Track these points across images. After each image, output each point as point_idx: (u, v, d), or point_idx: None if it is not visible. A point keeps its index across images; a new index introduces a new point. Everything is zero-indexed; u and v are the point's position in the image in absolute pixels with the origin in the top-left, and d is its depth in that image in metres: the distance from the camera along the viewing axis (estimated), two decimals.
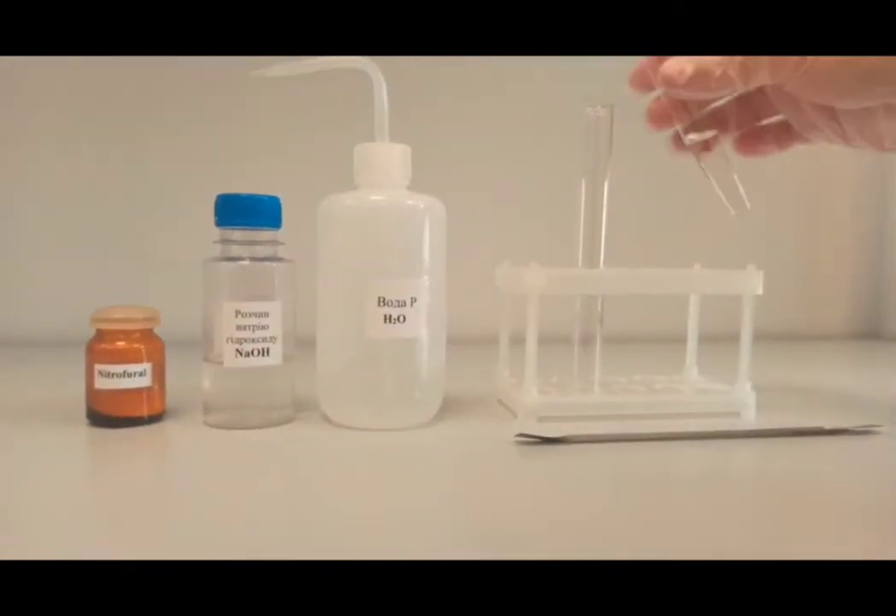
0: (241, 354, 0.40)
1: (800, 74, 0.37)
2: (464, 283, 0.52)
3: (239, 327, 0.40)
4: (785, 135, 0.46)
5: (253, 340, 0.40)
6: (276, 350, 0.41)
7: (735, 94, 0.45)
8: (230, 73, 0.75)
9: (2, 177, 0.77)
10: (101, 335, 0.41)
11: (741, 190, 0.42)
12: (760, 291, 0.45)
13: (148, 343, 0.41)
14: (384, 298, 0.40)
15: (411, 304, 0.40)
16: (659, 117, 0.45)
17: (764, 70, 0.38)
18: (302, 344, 0.43)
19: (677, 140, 0.45)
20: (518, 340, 0.46)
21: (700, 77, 0.40)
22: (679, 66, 0.41)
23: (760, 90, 0.45)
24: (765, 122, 0.47)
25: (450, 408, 0.46)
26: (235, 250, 0.41)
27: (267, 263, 0.41)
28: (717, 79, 0.40)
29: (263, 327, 0.40)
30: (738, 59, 0.39)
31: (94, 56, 0.75)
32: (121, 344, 0.40)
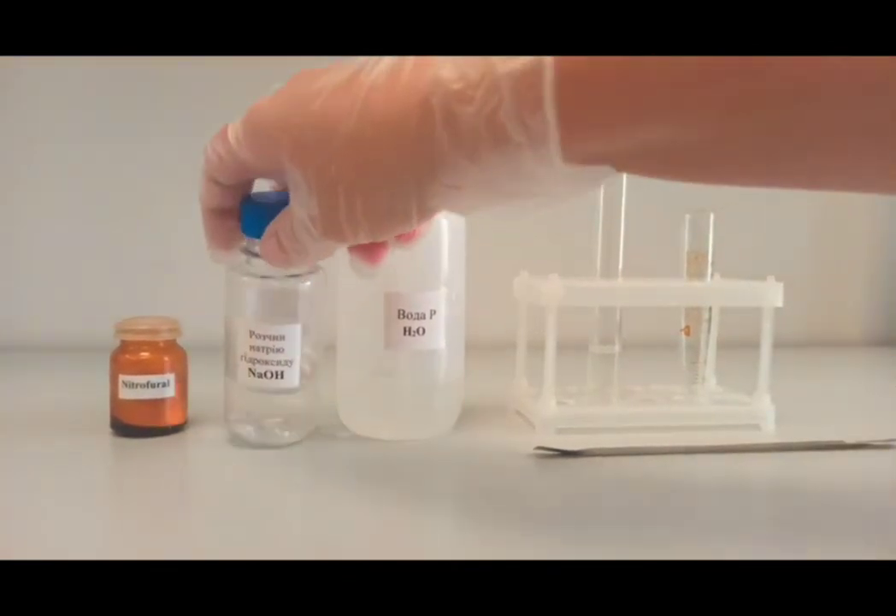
0: (254, 374, 0.38)
1: None
2: (480, 290, 0.52)
3: (253, 348, 0.38)
4: None
5: (266, 362, 0.38)
6: (292, 373, 0.39)
7: None
8: (252, 79, 0.75)
9: (18, 180, 0.78)
10: (125, 346, 0.41)
11: None
12: (780, 303, 0.45)
13: (171, 354, 0.42)
14: (403, 311, 0.40)
15: (431, 317, 0.41)
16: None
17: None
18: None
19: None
20: (535, 346, 0.46)
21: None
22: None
23: None
24: None
25: (467, 418, 0.46)
26: (260, 265, 0.37)
27: (290, 282, 0.39)
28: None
29: (278, 350, 0.38)
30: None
31: (107, 62, 0.77)
32: (145, 355, 0.41)
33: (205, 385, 0.46)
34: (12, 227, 0.78)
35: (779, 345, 0.46)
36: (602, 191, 0.46)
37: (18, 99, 0.77)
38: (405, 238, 0.34)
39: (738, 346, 0.50)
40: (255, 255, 0.37)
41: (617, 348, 0.46)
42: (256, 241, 0.35)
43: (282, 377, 0.39)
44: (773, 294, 0.45)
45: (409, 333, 0.40)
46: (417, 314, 0.40)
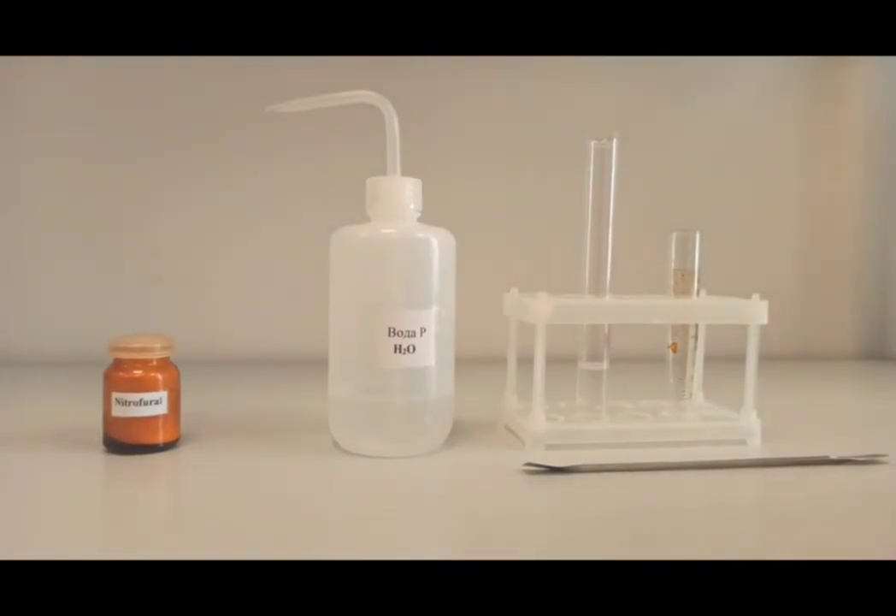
0: None
1: None
2: (470, 306, 0.52)
3: None
4: None
5: None
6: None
7: None
8: (248, 100, 0.76)
9: (12, 193, 0.78)
10: (118, 363, 0.42)
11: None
12: (765, 321, 0.45)
13: (165, 371, 0.42)
14: (394, 329, 0.41)
15: (421, 335, 0.41)
16: None
17: None
18: (314, 364, 0.44)
19: None
20: (524, 360, 0.46)
21: None
22: None
23: None
24: None
25: (458, 433, 0.46)
26: None
27: None
28: None
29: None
30: None
31: (104, 78, 0.77)
32: (138, 372, 0.41)
33: (197, 401, 0.46)
34: (4, 242, 0.78)
35: (767, 358, 0.47)
36: (590, 208, 0.47)
37: (12, 115, 0.78)
38: None
39: (727, 359, 0.51)
40: None
41: (605, 365, 0.47)
42: None
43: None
44: (757, 312, 0.45)
45: (400, 351, 0.41)
46: (408, 332, 0.41)
